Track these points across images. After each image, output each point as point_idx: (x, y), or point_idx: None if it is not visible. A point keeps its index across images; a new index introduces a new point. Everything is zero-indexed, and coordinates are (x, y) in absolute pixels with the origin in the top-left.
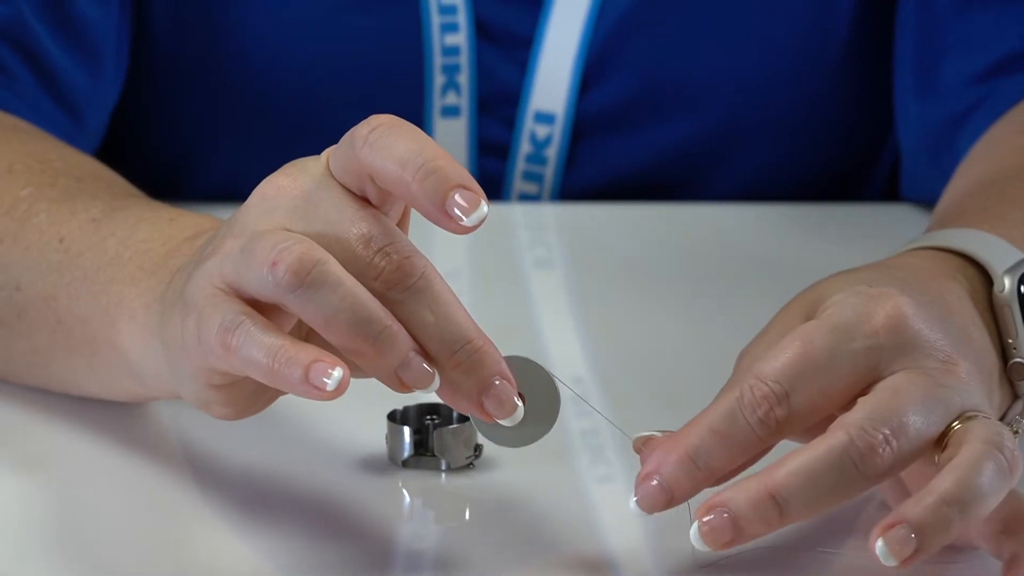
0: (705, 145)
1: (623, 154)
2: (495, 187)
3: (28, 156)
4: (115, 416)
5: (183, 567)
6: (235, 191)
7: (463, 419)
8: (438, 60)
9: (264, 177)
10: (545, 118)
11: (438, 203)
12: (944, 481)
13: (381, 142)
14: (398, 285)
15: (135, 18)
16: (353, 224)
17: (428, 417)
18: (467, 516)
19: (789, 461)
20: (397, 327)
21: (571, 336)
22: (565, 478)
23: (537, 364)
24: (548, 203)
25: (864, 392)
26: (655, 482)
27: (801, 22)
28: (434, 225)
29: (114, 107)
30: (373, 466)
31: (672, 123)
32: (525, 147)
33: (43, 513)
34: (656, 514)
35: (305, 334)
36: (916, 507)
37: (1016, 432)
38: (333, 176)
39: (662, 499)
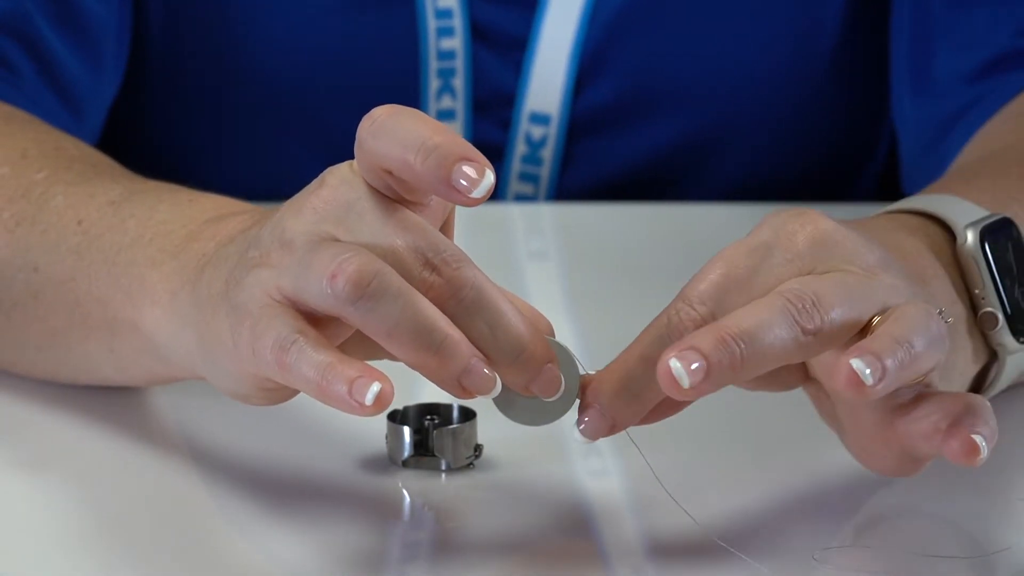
0: (698, 143)
1: (618, 153)
2: None
3: (43, 143)
4: (117, 414)
5: (185, 564)
6: (233, 189)
7: (464, 419)
8: (434, 64)
9: (259, 177)
10: (540, 119)
11: (443, 178)
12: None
13: (382, 131)
14: (451, 299)
15: (135, 14)
16: (398, 237)
17: (428, 417)
18: (467, 516)
19: (736, 313)
20: (458, 335)
21: (566, 334)
22: (564, 478)
23: (560, 344)
24: (544, 203)
25: None
26: (594, 409)
27: (791, 22)
28: None
29: (113, 105)
30: (373, 465)
31: (666, 122)
32: (521, 148)
33: (46, 510)
34: (656, 515)
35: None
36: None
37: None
38: (366, 182)
39: (603, 426)
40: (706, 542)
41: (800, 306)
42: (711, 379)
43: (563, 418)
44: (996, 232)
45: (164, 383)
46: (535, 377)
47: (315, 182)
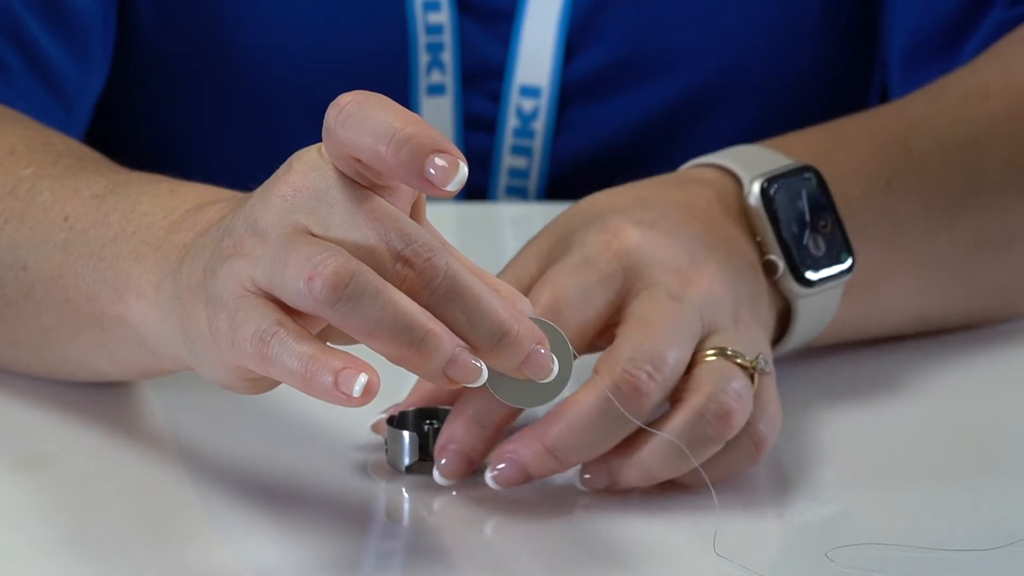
0: (691, 105)
1: (610, 119)
2: (484, 162)
3: (31, 140)
4: (112, 414)
5: (181, 567)
6: (223, 178)
7: None
8: (422, 39)
9: (250, 158)
10: (530, 91)
11: (416, 171)
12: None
13: (351, 119)
14: (424, 290)
15: (121, 6)
16: (368, 227)
17: (428, 422)
18: (466, 516)
19: (563, 413)
20: (439, 328)
21: None
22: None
23: (551, 324)
24: (535, 203)
25: (615, 321)
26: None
27: None
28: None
29: (104, 98)
30: (371, 466)
31: (657, 86)
32: (512, 121)
33: (40, 510)
34: (657, 520)
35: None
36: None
37: (755, 371)
38: (336, 168)
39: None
40: (707, 552)
41: (630, 390)
42: (534, 479)
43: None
44: (787, 180)
45: (157, 375)
46: (524, 360)
47: (283, 167)
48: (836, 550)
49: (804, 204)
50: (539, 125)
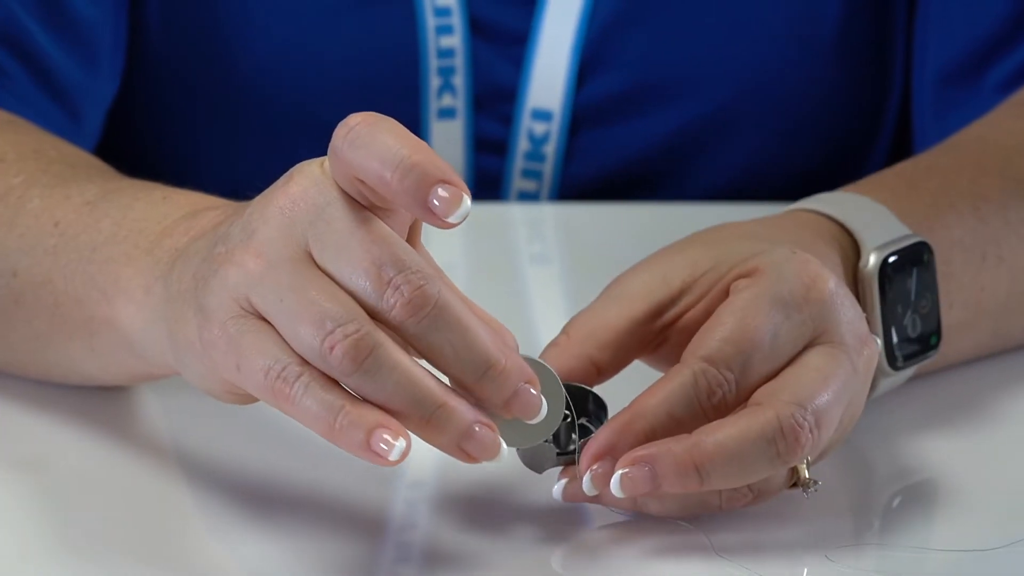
0: (702, 133)
1: (621, 146)
2: (494, 185)
3: (22, 146)
4: (111, 416)
5: (179, 569)
6: (229, 191)
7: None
8: (433, 63)
9: (258, 178)
10: (542, 115)
11: (420, 200)
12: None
13: (359, 141)
14: (411, 318)
15: (130, 15)
16: (363, 249)
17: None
18: (467, 516)
19: (718, 431)
20: (455, 403)
21: None
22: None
23: (543, 364)
24: (546, 202)
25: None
26: (611, 463)
27: (793, 12)
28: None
29: (111, 107)
30: (373, 469)
31: (668, 112)
32: (523, 144)
33: (38, 511)
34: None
35: None
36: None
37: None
38: (337, 185)
39: (604, 482)
40: (708, 553)
41: (791, 437)
42: (658, 492)
43: None
44: (903, 257)
45: (147, 380)
46: (511, 397)
47: (283, 178)
48: (836, 550)
49: (913, 284)
50: (550, 149)
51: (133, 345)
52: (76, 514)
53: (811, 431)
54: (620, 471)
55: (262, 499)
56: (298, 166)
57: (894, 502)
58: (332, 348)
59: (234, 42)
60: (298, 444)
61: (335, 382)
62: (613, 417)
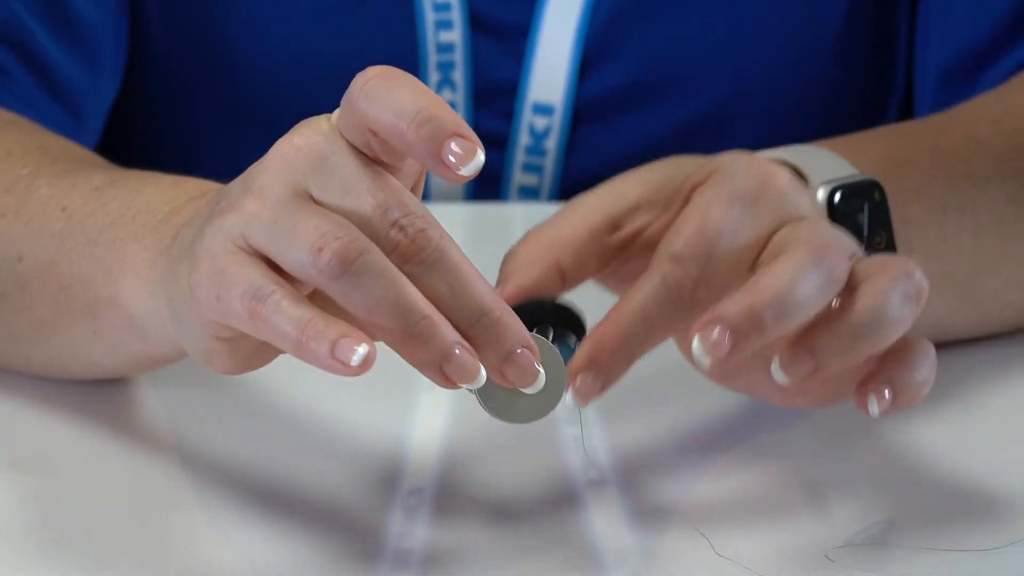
0: (704, 128)
1: (623, 141)
2: (494, 181)
3: (27, 143)
4: (112, 415)
5: (180, 567)
6: None
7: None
8: (432, 58)
9: None
10: (544, 110)
11: (434, 152)
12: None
13: (376, 93)
14: (413, 258)
15: (132, 14)
16: (369, 194)
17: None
18: (468, 514)
19: (767, 277)
20: (439, 319)
21: None
22: (562, 480)
23: (545, 340)
24: (547, 202)
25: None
26: (590, 372)
27: (796, 9)
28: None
29: (113, 107)
30: (375, 463)
31: (671, 107)
32: (524, 139)
33: (39, 510)
34: (654, 518)
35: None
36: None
37: None
38: (343, 135)
39: (597, 386)
40: (708, 553)
41: (824, 257)
42: (737, 349)
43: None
44: (852, 191)
45: (148, 366)
46: (506, 358)
47: (290, 132)
48: (836, 550)
49: (864, 219)
50: (551, 144)
51: (134, 321)
52: (76, 513)
53: (838, 262)
54: (699, 338)
55: (267, 497)
56: (304, 121)
57: (894, 502)
58: (320, 250)
59: (233, 39)
60: (302, 440)
61: (305, 300)
62: (591, 329)
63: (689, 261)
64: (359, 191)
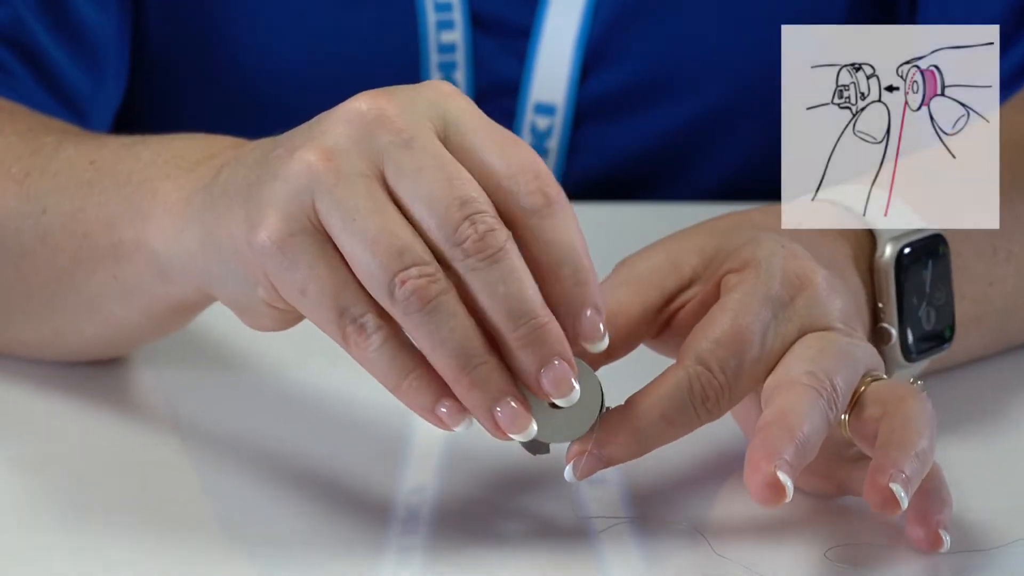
0: (706, 127)
1: (624, 141)
2: None
3: (47, 122)
4: (114, 408)
5: (183, 560)
6: None
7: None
8: (434, 58)
9: None
10: (545, 109)
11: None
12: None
13: (557, 218)
14: (478, 254)
15: (134, 19)
16: (451, 186)
17: None
18: (468, 511)
19: (794, 415)
20: (499, 362)
21: None
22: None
23: (584, 364)
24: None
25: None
26: (598, 458)
27: (797, 9)
28: None
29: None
30: (383, 449)
31: (672, 107)
32: (526, 139)
33: (40, 492)
34: (654, 518)
35: None
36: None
37: None
38: (434, 129)
39: (600, 467)
40: (708, 553)
41: (827, 396)
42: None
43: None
44: (919, 248)
45: (163, 317)
46: (546, 366)
47: (380, 94)
48: (835, 550)
49: (928, 276)
50: (553, 144)
51: (158, 259)
52: (77, 507)
53: (834, 389)
54: (773, 472)
55: (271, 487)
56: (403, 88)
57: None
58: (404, 283)
59: (235, 40)
60: (298, 444)
61: (410, 344)
62: (607, 414)
63: (716, 367)
64: (440, 180)
